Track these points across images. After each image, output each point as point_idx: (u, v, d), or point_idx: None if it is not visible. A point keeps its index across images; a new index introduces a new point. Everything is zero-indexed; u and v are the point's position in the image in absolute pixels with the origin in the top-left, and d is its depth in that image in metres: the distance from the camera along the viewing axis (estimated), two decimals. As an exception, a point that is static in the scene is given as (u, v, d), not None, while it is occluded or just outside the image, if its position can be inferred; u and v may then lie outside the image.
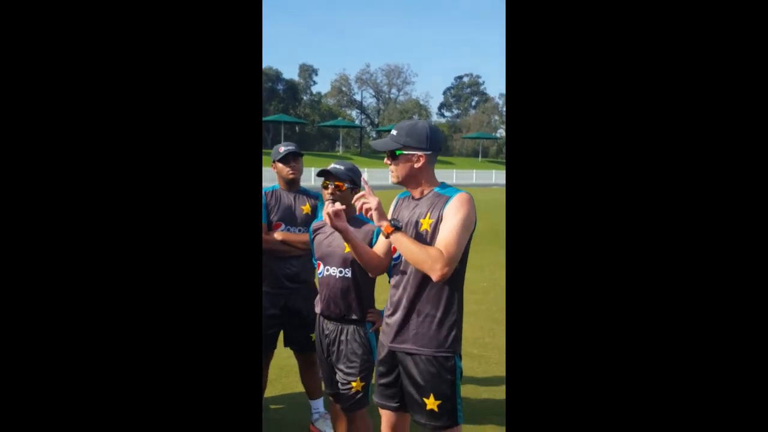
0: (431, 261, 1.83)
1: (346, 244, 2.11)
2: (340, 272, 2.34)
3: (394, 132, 2.00)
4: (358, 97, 57.94)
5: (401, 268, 2.02)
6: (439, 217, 1.91)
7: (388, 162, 2.00)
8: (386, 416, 2.17)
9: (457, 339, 2.01)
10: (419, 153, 1.96)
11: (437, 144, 2.01)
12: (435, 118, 64.43)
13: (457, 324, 2.01)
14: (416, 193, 2.03)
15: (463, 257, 1.95)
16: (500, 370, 3.99)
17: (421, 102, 60.29)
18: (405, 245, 1.87)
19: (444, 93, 69.79)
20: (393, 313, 2.03)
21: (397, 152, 1.96)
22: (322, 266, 2.38)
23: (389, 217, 2.11)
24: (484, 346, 4.51)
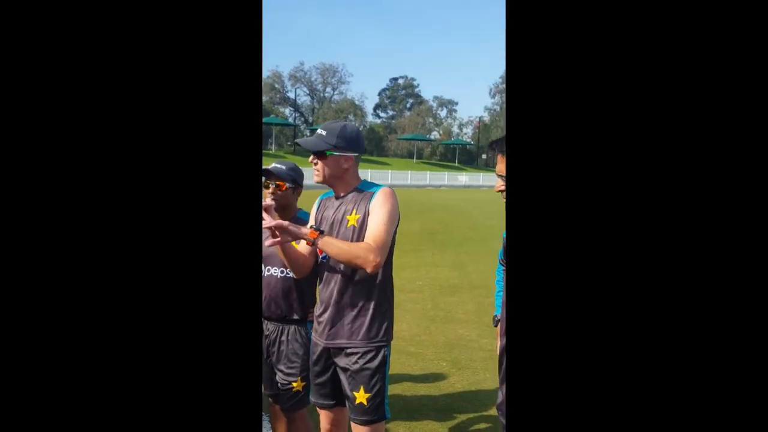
0: (363, 254, 1.86)
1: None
2: (282, 272, 2.32)
3: (322, 132, 2.02)
4: (291, 95, 57.24)
5: (329, 265, 2.03)
6: (365, 212, 1.96)
7: (314, 161, 2.02)
8: (324, 415, 2.17)
9: (389, 328, 2.05)
10: (348, 154, 2.01)
11: (363, 145, 2.10)
12: (370, 118, 64.68)
13: (389, 313, 2.05)
14: (340, 192, 2.06)
15: (390, 249, 2.00)
16: (436, 367, 4.07)
17: (357, 102, 60.34)
18: (334, 246, 1.89)
19: (379, 94, 70.16)
20: (324, 311, 2.04)
21: (328, 153, 1.99)
22: (263, 267, 2.35)
23: (313, 217, 2.13)
24: (420, 343, 4.58)
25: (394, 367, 4.03)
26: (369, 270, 1.89)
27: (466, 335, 4.79)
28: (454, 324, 5.15)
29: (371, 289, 1.99)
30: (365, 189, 2.03)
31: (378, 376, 2.00)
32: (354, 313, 1.99)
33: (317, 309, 2.10)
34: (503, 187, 1.60)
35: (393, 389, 3.64)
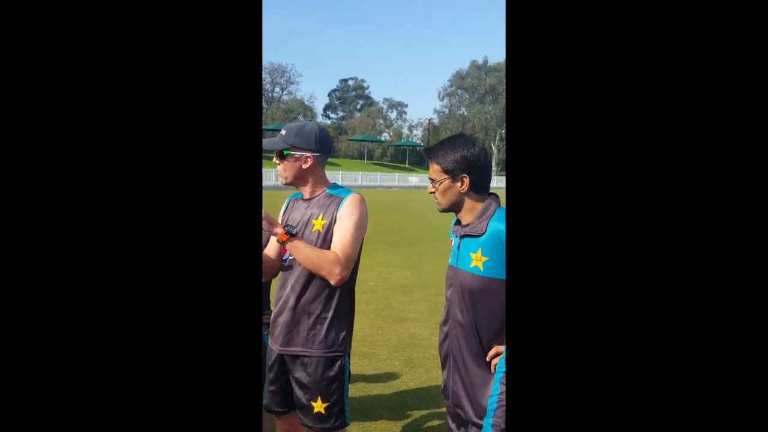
0: (329, 266, 1.85)
1: None
2: None
3: (283, 132, 2.01)
4: (240, 96, 56.08)
5: (289, 267, 1.99)
6: (332, 218, 1.93)
7: (277, 162, 2.00)
8: (281, 420, 2.14)
9: (348, 339, 2.01)
10: (307, 154, 1.98)
11: (326, 146, 2.04)
12: (320, 119, 64.35)
13: (348, 324, 2.02)
14: (306, 194, 2.04)
15: (357, 258, 1.98)
16: (389, 366, 4.10)
17: (306, 102, 59.96)
18: (302, 251, 1.87)
19: (329, 95, 69.91)
20: (280, 314, 1.99)
21: (285, 152, 1.97)
22: None
23: (280, 218, 2.09)
24: (373, 343, 4.60)
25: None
26: (333, 283, 1.87)
27: (418, 334, 4.84)
28: (406, 323, 5.19)
29: (331, 295, 1.94)
30: (334, 193, 2.00)
31: (336, 385, 1.96)
32: (312, 320, 1.93)
33: (274, 310, 2.05)
34: (433, 189, 1.80)
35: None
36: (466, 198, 1.72)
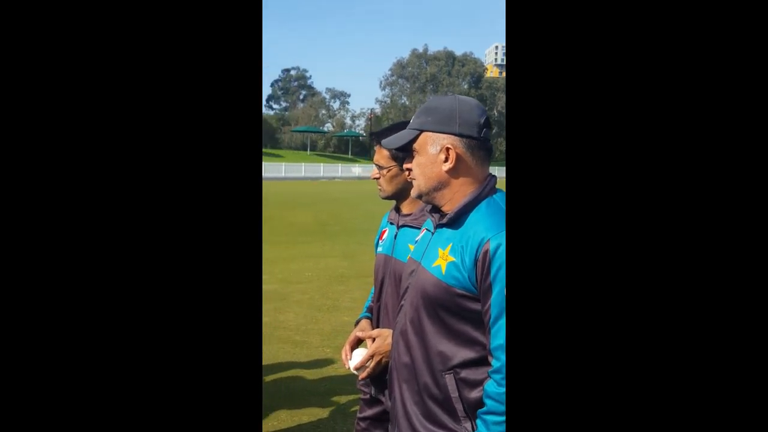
0: None
1: None
2: None
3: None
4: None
5: None
6: None
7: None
8: None
9: None
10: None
11: None
12: (264, 110, 63.20)
13: None
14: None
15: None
16: (320, 353, 4.17)
17: (248, 93, 58.59)
18: None
19: (272, 85, 68.82)
20: None
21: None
22: None
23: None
24: (307, 332, 4.66)
25: (280, 356, 4.09)
26: None
27: (351, 322, 4.89)
28: (340, 312, 5.27)
29: None
30: None
31: None
32: None
33: None
34: (377, 175, 1.75)
35: (278, 378, 3.69)
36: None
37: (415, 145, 1.35)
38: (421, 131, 1.34)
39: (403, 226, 1.76)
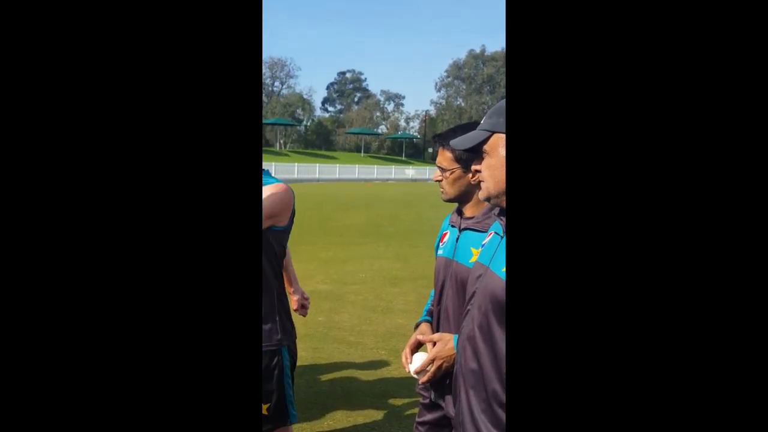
0: None
1: None
2: None
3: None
4: (238, 89, 56.27)
5: None
6: None
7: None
8: None
9: (284, 330, 1.93)
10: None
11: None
12: (318, 112, 64.27)
13: (281, 313, 1.94)
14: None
15: (282, 249, 1.95)
16: (374, 354, 4.18)
17: (305, 96, 59.83)
18: None
19: (327, 88, 69.75)
20: None
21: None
22: None
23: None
24: (361, 333, 4.68)
25: (335, 356, 4.13)
26: None
27: (405, 324, 4.91)
28: (394, 314, 5.27)
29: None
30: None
31: (273, 383, 1.89)
32: None
33: None
34: (440, 177, 1.73)
35: (333, 378, 3.73)
36: (476, 190, 1.56)
37: (486, 147, 1.33)
38: (493, 132, 1.31)
39: (466, 229, 1.73)
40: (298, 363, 2.13)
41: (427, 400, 1.85)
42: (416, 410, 3.27)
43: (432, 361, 1.65)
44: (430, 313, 1.94)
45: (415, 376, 1.71)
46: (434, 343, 1.68)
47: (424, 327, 1.89)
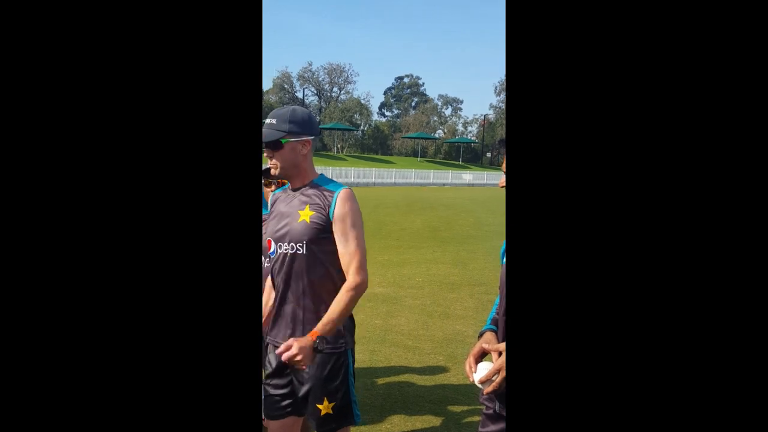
0: (357, 290, 1.84)
1: None
2: None
3: (271, 121, 1.89)
4: (300, 95, 57.59)
5: (278, 266, 1.94)
6: (326, 215, 1.87)
7: (270, 155, 1.89)
8: (272, 425, 2.02)
9: (349, 332, 1.95)
10: (306, 138, 1.90)
11: (317, 128, 1.97)
12: (376, 117, 64.78)
13: (348, 318, 1.94)
14: (297, 183, 1.95)
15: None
16: (432, 360, 4.15)
17: (363, 101, 60.43)
18: (338, 316, 1.82)
19: (385, 93, 70.24)
20: (278, 310, 1.96)
21: (283, 141, 1.87)
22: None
23: (269, 212, 2.04)
24: (418, 337, 4.66)
25: (393, 360, 4.13)
26: (363, 289, 1.86)
27: (463, 331, 4.86)
28: (451, 320, 5.22)
29: (322, 291, 1.89)
30: (323, 185, 1.93)
31: (339, 384, 1.90)
32: (310, 315, 1.88)
33: (269, 306, 2.02)
34: (505, 184, 1.70)
35: (391, 381, 3.73)
36: None
37: None
38: None
39: None
40: (356, 365, 2.16)
41: (491, 411, 1.81)
42: (475, 418, 3.23)
43: (498, 371, 1.62)
44: (494, 321, 1.90)
45: (480, 386, 1.68)
46: (500, 353, 1.65)
47: (489, 336, 1.85)
